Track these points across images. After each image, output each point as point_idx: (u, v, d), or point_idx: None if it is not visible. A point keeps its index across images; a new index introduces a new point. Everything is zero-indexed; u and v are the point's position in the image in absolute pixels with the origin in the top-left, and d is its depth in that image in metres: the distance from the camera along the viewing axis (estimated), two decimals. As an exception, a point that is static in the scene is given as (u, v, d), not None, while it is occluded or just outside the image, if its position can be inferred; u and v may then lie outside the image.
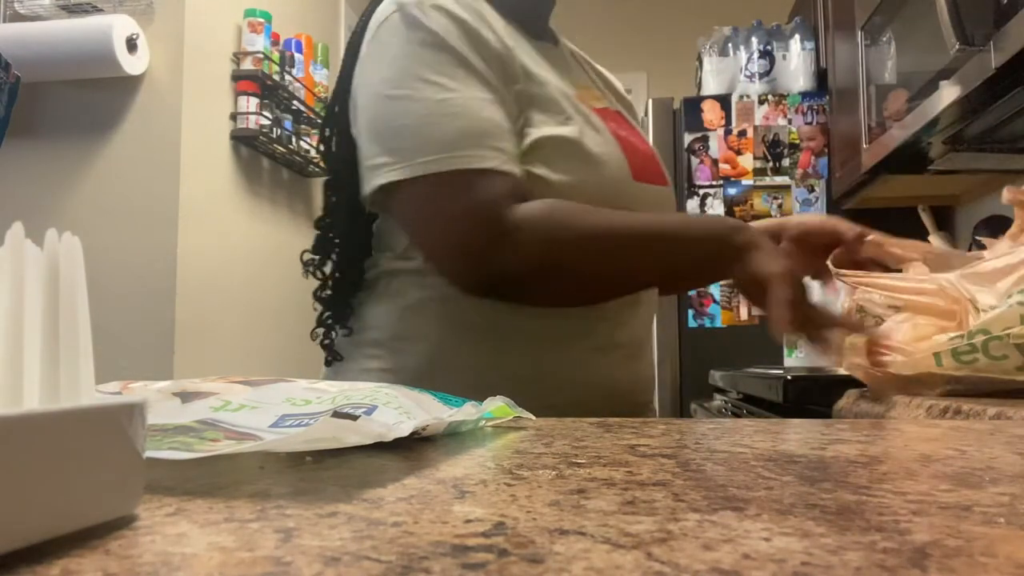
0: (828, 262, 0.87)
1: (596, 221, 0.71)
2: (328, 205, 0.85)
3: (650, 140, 2.42)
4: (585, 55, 0.97)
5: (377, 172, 0.71)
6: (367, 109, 0.74)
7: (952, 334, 0.72)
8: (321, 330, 0.85)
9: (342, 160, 0.79)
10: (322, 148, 0.85)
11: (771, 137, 2.29)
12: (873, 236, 0.86)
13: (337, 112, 0.80)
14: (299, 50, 2.38)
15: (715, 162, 2.31)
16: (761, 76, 2.33)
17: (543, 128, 0.74)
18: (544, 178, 0.73)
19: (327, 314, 0.84)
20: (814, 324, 0.68)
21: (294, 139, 2.37)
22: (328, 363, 0.85)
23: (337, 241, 0.84)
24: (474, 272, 0.72)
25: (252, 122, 2.15)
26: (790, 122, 2.29)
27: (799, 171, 2.27)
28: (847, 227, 0.87)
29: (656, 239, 0.72)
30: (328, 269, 0.85)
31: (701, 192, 2.32)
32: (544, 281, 0.73)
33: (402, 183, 0.70)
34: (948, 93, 1.28)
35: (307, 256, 0.85)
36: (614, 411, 0.76)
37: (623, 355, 0.82)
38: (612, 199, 0.74)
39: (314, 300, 0.85)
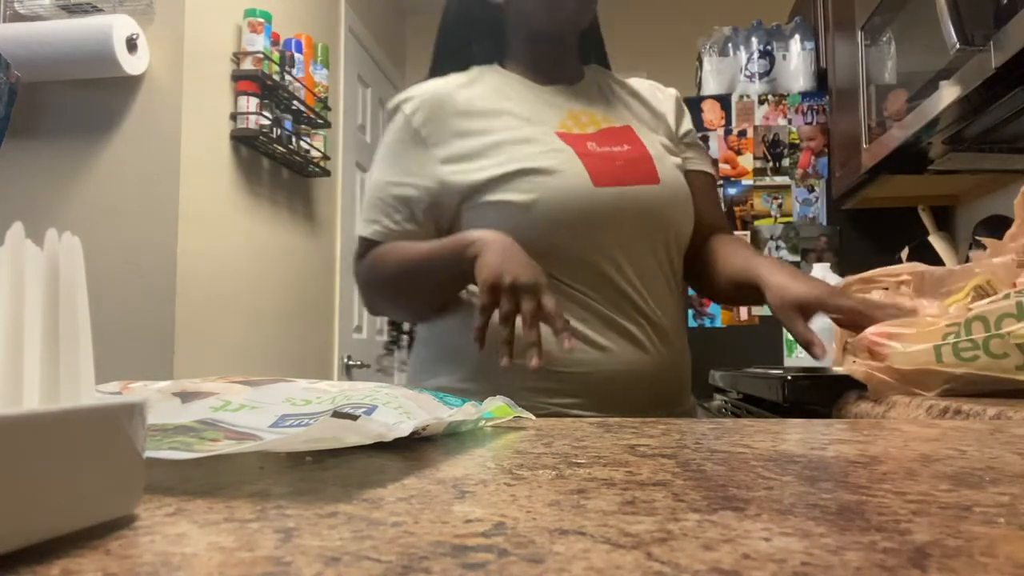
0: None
1: (385, 264, 0.96)
2: None
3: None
4: (617, 81, 1.11)
5: None
6: None
7: (949, 321, 0.72)
8: (386, 352, 1.16)
9: None
10: None
11: (771, 137, 2.29)
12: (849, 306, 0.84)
13: None
14: (299, 50, 2.38)
15: (715, 162, 2.31)
16: (761, 76, 2.33)
17: (505, 166, 0.92)
18: (512, 201, 0.91)
19: (403, 335, 1.17)
20: (510, 326, 0.79)
21: (294, 139, 2.37)
22: (379, 369, 1.16)
23: None
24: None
25: (252, 122, 2.14)
26: (790, 122, 2.29)
27: (799, 171, 2.27)
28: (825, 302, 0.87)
29: (417, 266, 0.93)
30: None
31: (701, 192, 2.31)
32: (380, 304, 1.05)
33: None
34: (948, 93, 1.28)
35: None
36: (650, 398, 0.93)
37: (647, 343, 0.95)
38: (571, 205, 0.91)
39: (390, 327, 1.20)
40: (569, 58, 1.07)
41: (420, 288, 0.96)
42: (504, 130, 0.96)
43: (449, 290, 0.95)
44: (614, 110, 1.06)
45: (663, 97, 1.12)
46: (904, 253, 1.16)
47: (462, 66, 1.06)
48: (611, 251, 0.92)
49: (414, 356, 1.05)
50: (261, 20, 2.18)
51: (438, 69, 1.08)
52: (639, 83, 1.13)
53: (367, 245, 0.99)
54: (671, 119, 1.10)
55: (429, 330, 1.02)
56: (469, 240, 0.86)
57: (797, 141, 2.28)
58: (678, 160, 1.03)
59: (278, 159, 2.39)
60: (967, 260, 1.70)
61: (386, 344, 1.24)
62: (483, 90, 1.01)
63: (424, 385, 0.94)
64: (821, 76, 2.29)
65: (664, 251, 0.98)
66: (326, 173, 2.64)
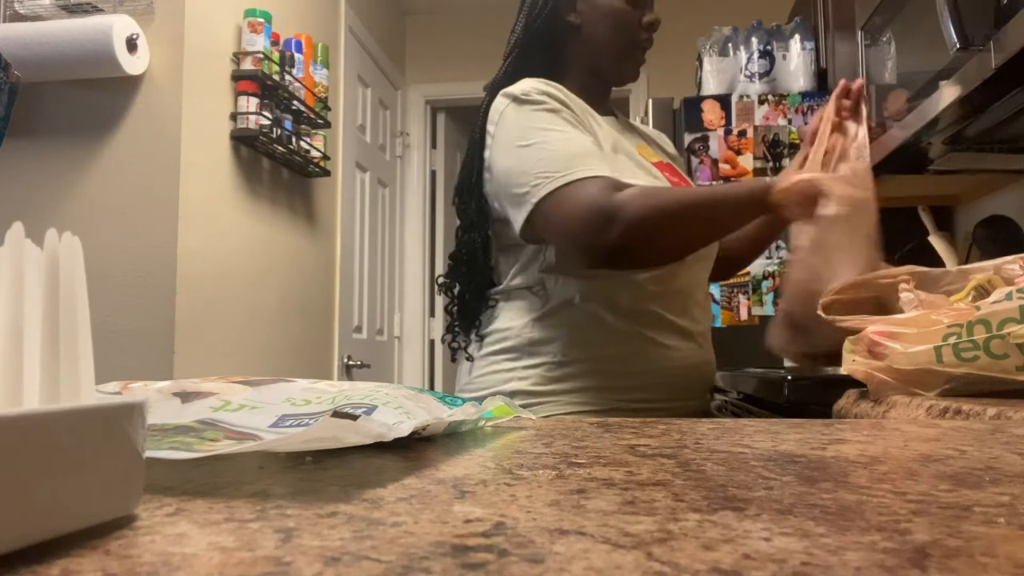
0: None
1: (679, 194, 0.98)
2: (461, 243, 1.15)
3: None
4: (637, 123, 1.27)
5: (530, 196, 0.97)
6: (507, 163, 1.02)
7: (951, 323, 0.72)
8: (450, 336, 1.16)
9: (476, 211, 1.10)
10: (458, 203, 1.16)
11: (771, 137, 2.29)
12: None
13: (473, 182, 1.09)
14: (299, 50, 2.38)
15: (715, 162, 2.31)
16: (761, 76, 2.33)
17: (631, 178, 0.99)
18: None
19: (456, 323, 1.15)
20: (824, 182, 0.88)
21: (294, 139, 2.37)
22: (453, 359, 1.17)
23: (473, 267, 1.13)
24: (593, 248, 0.94)
25: (252, 122, 2.14)
26: (790, 122, 2.29)
27: (799, 171, 2.27)
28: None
29: (719, 202, 0.97)
30: (456, 291, 1.16)
31: (701, 192, 2.31)
32: (647, 243, 0.95)
33: (546, 197, 0.96)
34: (948, 93, 1.28)
35: (441, 280, 1.17)
36: (704, 386, 1.12)
37: (700, 341, 1.10)
38: None
39: (445, 313, 1.18)
40: (608, 97, 1.21)
41: (719, 219, 0.98)
42: (605, 146, 1.05)
43: (742, 221, 1.02)
44: (650, 146, 1.20)
45: (664, 138, 1.29)
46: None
47: (532, 75, 1.11)
48: (688, 269, 1.07)
49: (481, 368, 1.09)
50: (261, 20, 2.18)
51: (516, 76, 1.10)
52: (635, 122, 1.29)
53: (614, 185, 0.95)
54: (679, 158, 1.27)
55: (500, 342, 1.08)
56: (762, 183, 0.94)
57: (797, 141, 2.28)
58: None
59: (278, 159, 2.39)
60: (967, 260, 1.70)
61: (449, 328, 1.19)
62: (577, 103, 1.07)
63: (501, 391, 1.05)
64: (821, 76, 2.29)
65: (708, 270, 1.15)
66: (326, 173, 2.64)
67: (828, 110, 1.03)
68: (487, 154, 1.06)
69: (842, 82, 1.05)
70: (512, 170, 1.00)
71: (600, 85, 1.16)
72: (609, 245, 0.93)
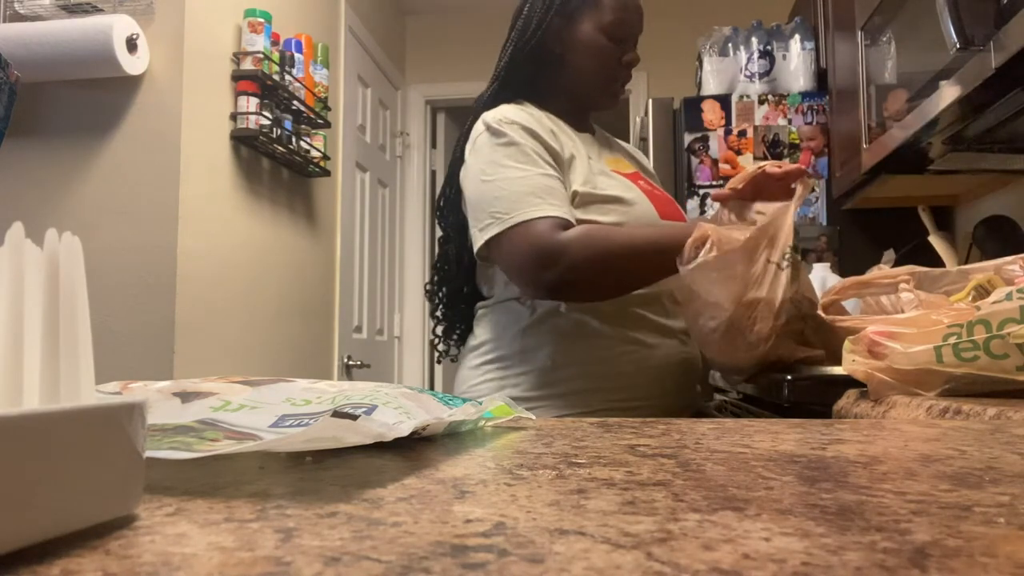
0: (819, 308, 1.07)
1: (622, 238, 1.02)
2: (443, 253, 1.25)
3: (650, 140, 2.43)
4: (617, 140, 1.34)
5: (484, 231, 1.05)
6: (472, 193, 1.09)
7: (951, 323, 0.72)
8: (436, 339, 1.25)
9: (453, 225, 1.20)
10: (439, 215, 1.25)
11: (771, 137, 2.29)
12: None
13: (451, 195, 1.20)
14: (299, 50, 2.38)
15: (715, 162, 2.31)
16: (761, 76, 2.33)
17: (597, 190, 1.08)
18: (598, 221, 1.06)
19: (437, 327, 1.25)
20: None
21: (294, 139, 2.37)
22: (439, 361, 1.30)
23: (447, 276, 1.22)
24: (537, 284, 1.02)
25: (252, 122, 2.14)
26: (790, 122, 2.28)
27: (799, 171, 2.27)
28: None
29: (659, 247, 0.99)
30: (439, 297, 1.24)
31: (701, 192, 2.32)
32: (590, 281, 1.02)
33: (498, 235, 1.03)
34: (948, 93, 1.28)
35: (428, 286, 1.27)
36: (697, 384, 1.17)
37: (683, 339, 1.13)
38: None
39: (431, 318, 1.27)
40: (587, 117, 1.27)
41: (661, 263, 1.00)
42: (582, 161, 1.11)
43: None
44: (628, 158, 1.27)
45: (641, 154, 1.37)
46: (887, 261, 1.18)
47: (517, 97, 1.17)
48: None
49: (475, 377, 1.14)
50: (261, 20, 2.17)
51: (502, 95, 1.17)
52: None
53: (560, 225, 1.01)
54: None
55: (492, 352, 1.13)
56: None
57: (797, 141, 2.28)
58: None
59: (278, 159, 2.39)
60: (967, 260, 1.70)
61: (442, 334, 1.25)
62: (551, 125, 1.13)
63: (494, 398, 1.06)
64: (821, 76, 2.29)
65: None
66: (326, 173, 2.64)
67: (755, 174, 1.07)
68: (462, 175, 1.13)
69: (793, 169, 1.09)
70: (473, 202, 1.08)
71: (579, 108, 1.22)
72: (552, 282, 1.01)
